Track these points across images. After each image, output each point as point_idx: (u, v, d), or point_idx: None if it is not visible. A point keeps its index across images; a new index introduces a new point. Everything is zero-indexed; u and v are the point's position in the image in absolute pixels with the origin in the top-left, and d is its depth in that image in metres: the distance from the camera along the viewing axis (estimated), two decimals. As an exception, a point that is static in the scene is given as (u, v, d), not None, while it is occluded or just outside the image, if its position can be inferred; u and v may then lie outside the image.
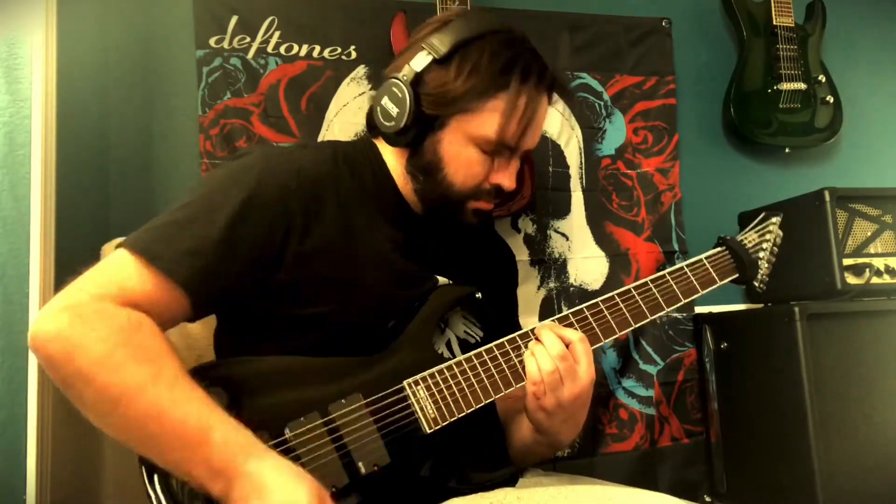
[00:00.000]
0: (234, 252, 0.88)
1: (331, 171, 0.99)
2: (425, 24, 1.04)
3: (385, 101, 0.99)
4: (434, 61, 0.98)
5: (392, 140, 1.02)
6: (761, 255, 1.13)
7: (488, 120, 0.99)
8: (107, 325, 0.80)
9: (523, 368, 0.94)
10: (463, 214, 1.05)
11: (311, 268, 0.93)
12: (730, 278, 1.10)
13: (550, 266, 1.76)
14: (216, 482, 0.78)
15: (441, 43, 0.98)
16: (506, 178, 1.03)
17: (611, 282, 1.79)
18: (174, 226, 0.88)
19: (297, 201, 0.93)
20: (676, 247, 1.85)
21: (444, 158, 1.00)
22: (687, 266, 1.07)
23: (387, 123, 0.99)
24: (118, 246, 0.87)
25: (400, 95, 0.98)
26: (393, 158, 1.06)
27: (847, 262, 1.57)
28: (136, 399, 0.78)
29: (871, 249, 1.61)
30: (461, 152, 1.00)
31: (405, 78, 0.98)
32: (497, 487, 0.94)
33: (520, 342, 0.96)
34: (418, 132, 0.99)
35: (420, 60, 0.98)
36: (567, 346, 0.93)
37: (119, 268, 0.85)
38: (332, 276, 0.94)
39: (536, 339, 0.95)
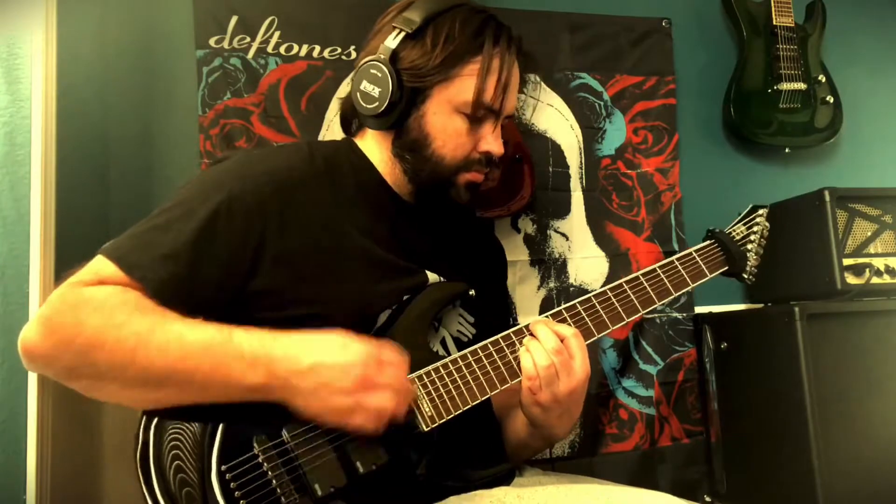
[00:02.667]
0: (207, 255, 0.88)
1: (307, 171, 0.98)
2: (387, 12, 1.06)
3: (364, 84, 0.99)
4: (407, 36, 0.99)
5: (375, 123, 1.02)
6: (749, 247, 1.15)
7: (467, 84, 1.00)
8: (94, 297, 0.81)
9: (519, 364, 0.94)
10: (455, 189, 1.05)
11: (293, 269, 0.93)
12: (720, 271, 1.12)
13: (550, 266, 1.76)
14: (255, 372, 0.81)
15: (411, 19, 0.99)
16: (493, 144, 1.04)
17: (611, 282, 1.75)
18: (151, 232, 0.88)
19: (274, 204, 0.93)
20: (676, 247, 1.85)
21: (430, 133, 1.01)
22: (677, 259, 1.08)
23: (369, 106, 0.99)
24: (98, 252, 0.87)
25: (379, 75, 0.98)
26: (375, 149, 1.06)
27: (847, 262, 1.57)
28: (151, 339, 0.80)
29: (871, 249, 1.61)
30: (447, 123, 1.01)
31: (382, 57, 0.98)
32: (494, 484, 0.94)
33: (514, 339, 0.96)
34: (402, 110, 0.99)
35: (394, 38, 0.99)
36: (562, 341, 0.93)
37: (94, 265, 0.86)
38: (315, 276, 0.94)
39: (531, 334, 0.95)
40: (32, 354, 0.80)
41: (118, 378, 0.80)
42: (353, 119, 1.10)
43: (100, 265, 0.85)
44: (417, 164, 1.02)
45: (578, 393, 0.95)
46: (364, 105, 1.00)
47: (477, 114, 1.01)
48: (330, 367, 0.81)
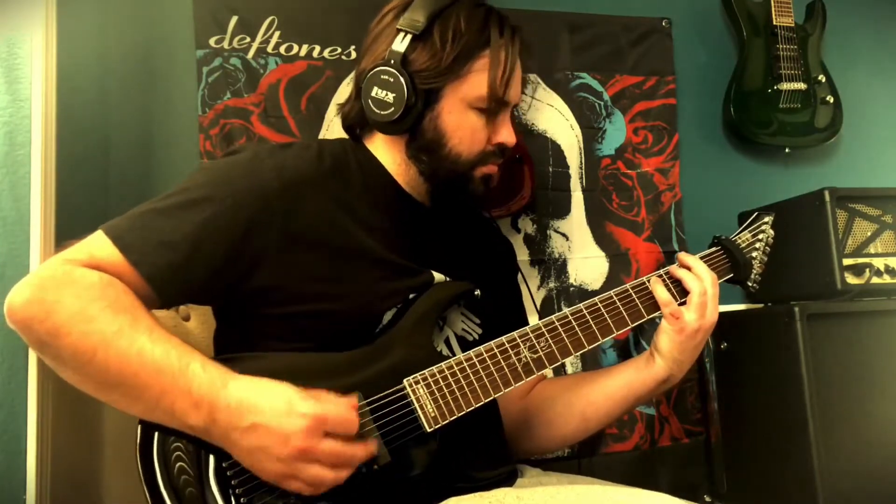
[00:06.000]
0: (206, 248, 0.87)
1: (315, 170, 0.98)
2: (381, 16, 1.04)
3: (376, 91, 0.98)
4: (415, 38, 0.98)
5: (390, 128, 1.01)
6: (755, 254, 1.15)
7: (479, 79, 1.00)
8: (79, 282, 0.81)
9: (524, 367, 0.94)
10: (472, 183, 1.05)
11: (297, 267, 0.93)
12: (725, 278, 1.12)
13: (550, 266, 1.76)
14: (198, 413, 0.79)
15: (416, 19, 0.98)
16: (507, 135, 1.04)
17: (611, 282, 1.78)
18: (150, 216, 0.88)
19: (280, 201, 0.92)
20: (676, 247, 1.85)
21: (446, 132, 1.00)
22: None
23: (384, 112, 0.98)
24: (100, 228, 0.87)
25: (392, 80, 0.97)
26: (387, 152, 1.05)
27: (847, 262, 1.57)
28: (114, 343, 0.79)
29: (871, 249, 1.61)
30: (461, 120, 1.00)
31: (393, 62, 0.97)
32: (497, 486, 0.94)
33: (518, 341, 0.96)
34: (418, 113, 0.99)
35: (401, 41, 0.98)
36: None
37: (91, 242, 0.86)
38: (320, 274, 0.94)
39: (689, 269, 1.05)
40: (12, 318, 0.81)
41: (77, 370, 0.81)
42: (358, 125, 1.09)
43: (96, 244, 0.86)
44: (434, 163, 1.02)
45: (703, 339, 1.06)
46: (378, 112, 0.98)
47: (490, 107, 1.01)
48: (269, 431, 0.78)
